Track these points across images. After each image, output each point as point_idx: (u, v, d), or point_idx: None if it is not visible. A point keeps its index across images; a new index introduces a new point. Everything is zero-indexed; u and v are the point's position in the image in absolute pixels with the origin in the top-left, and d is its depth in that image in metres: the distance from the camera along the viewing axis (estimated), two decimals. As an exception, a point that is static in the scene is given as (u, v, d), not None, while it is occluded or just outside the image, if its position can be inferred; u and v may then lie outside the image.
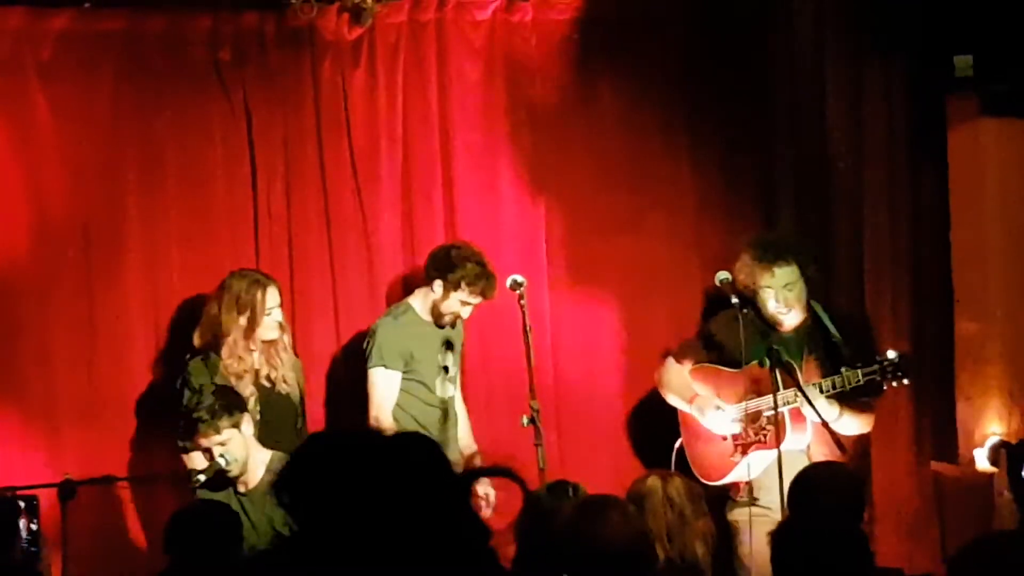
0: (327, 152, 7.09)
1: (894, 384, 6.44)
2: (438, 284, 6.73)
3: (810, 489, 5.04)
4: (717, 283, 6.65)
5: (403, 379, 6.77)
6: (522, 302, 6.61)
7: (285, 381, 6.60)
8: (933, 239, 7.53)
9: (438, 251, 6.81)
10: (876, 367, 6.41)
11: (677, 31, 7.53)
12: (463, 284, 6.67)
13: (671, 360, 6.94)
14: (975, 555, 3.16)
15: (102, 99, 6.85)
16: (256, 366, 6.55)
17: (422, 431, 6.71)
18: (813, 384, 6.40)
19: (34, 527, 5.59)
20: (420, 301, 6.84)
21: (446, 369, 6.86)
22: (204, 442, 6.07)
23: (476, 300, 6.73)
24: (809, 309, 6.76)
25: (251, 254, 7.02)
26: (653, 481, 5.22)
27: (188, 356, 6.55)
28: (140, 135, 6.89)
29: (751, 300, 6.66)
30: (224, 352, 6.47)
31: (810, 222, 7.53)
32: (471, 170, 7.29)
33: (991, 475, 7.23)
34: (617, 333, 7.49)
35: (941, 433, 7.49)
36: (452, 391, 6.89)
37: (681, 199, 7.57)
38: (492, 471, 6.03)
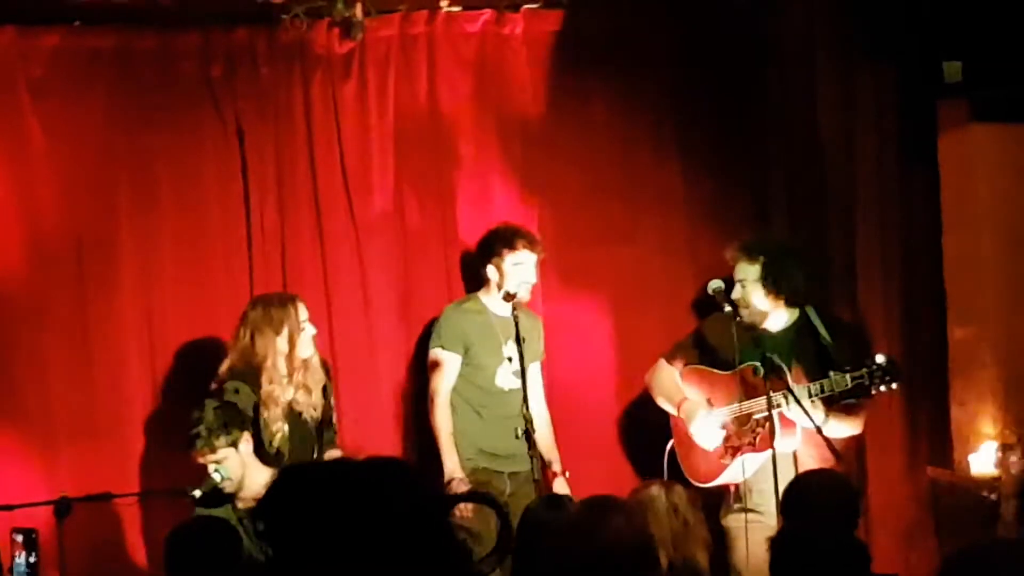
0: (319, 166, 7.10)
1: (882, 388, 6.43)
2: (491, 269, 6.90)
3: (804, 497, 5.05)
4: (710, 291, 6.65)
5: (463, 365, 6.90)
6: (515, 312, 6.64)
7: (313, 408, 6.55)
8: (925, 245, 7.54)
9: (477, 244, 7.01)
10: (864, 371, 6.41)
11: (667, 40, 7.53)
12: (503, 249, 6.80)
13: (662, 361, 6.96)
14: (966, 563, 3.16)
15: (94, 116, 6.87)
16: (285, 395, 6.45)
17: (477, 418, 6.87)
18: (801, 387, 6.41)
19: (33, 560, 5.57)
20: (486, 292, 6.98)
21: (510, 360, 6.89)
22: (200, 460, 6.08)
23: (527, 257, 6.82)
24: (802, 314, 6.78)
25: (244, 268, 7.03)
26: (656, 489, 5.26)
27: (218, 384, 6.40)
28: (132, 151, 6.90)
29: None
30: (264, 379, 6.37)
31: (803, 229, 7.54)
32: (463, 182, 7.31)
33: (989, 480, 7.24)
34: (611, 342, 7.50)
35: (935, 438, 7.49)
36: (517, 383, 6.84)
37: (673, 207, 7.57)
38: (471, 497, 6.06)
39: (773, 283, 6.68)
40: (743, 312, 6.65)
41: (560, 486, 6.81)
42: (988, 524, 7.03)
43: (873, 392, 6.45)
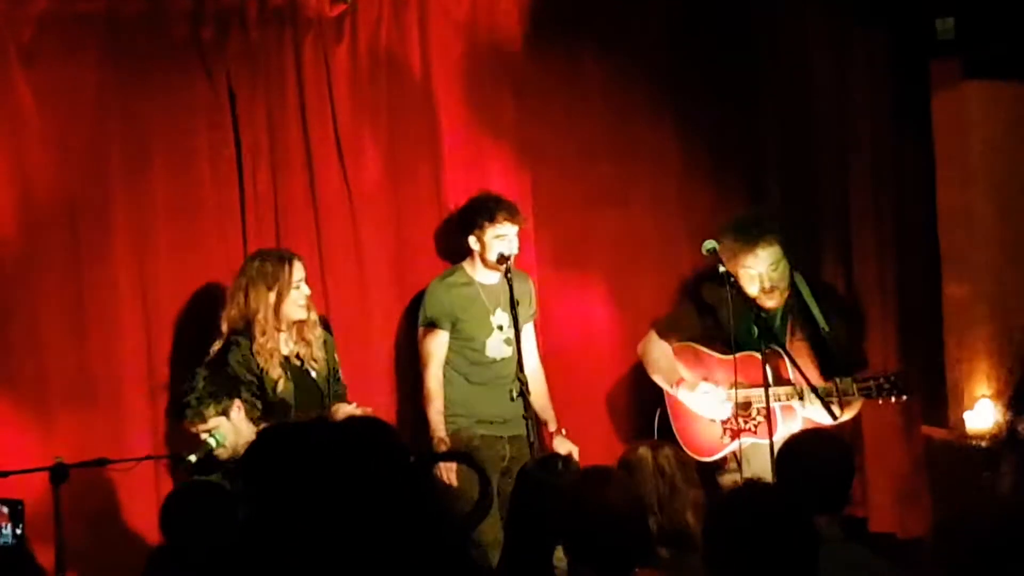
0: (312, 130, 7.07)
1: (891, 399, 6.50)
2: (472, 240, 6.88)
3: (798, 457, 5.06)
4: (704, 252, 6.64)
5: (451, 338, 6.91)
6: (508, 276, 6.65)
7: (314, 360, 6.57)
8: (919, 203, 7.55)
9: (458, 214, 7.02)
10: (872, 383, 6.46)
11: (661, 2, 7.51)
12: (484, 222, 6.79)
13: (655, 336, 6.94)
14: (961, 524, 3.17)
15: (85, 81, 6.82)
16: (284, 348, 6.49)
17: (473, 389, 6.90)
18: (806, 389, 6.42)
19: (19, 531, 5.58)
20: (469, 263, 6.97)
21: (500, 328, 6.90)
22: (192, 429, 6.09)
23: (509, 229, 6.81)
24: (792, 284, 6.78)
25: (238, 233, 7.01)
26: (643, 451, 5.24)
27: (220, 344, 6.45)
28: (124, 116, 6.86)
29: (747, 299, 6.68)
30: (256, 331, 6.40)
31: (796, 190, 7.55)
32: (456, 145, 7.28)
33: (987, 436, 7.25)
34: (605, 305, 7.50)
35: (931, 397, 7.51)
36: (508, 352, 6.89)
37: (667, 170, 7.57)
38: (449, 456, 6.07)
39: (791, 244, 6.74)
40: (773, 298, 6.65)
41: (561, 444, 6.81)
42: (984, 481, 7.04)
43: (880, 402, 6.51)
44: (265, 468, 2.50)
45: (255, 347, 6.40)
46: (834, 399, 6.43)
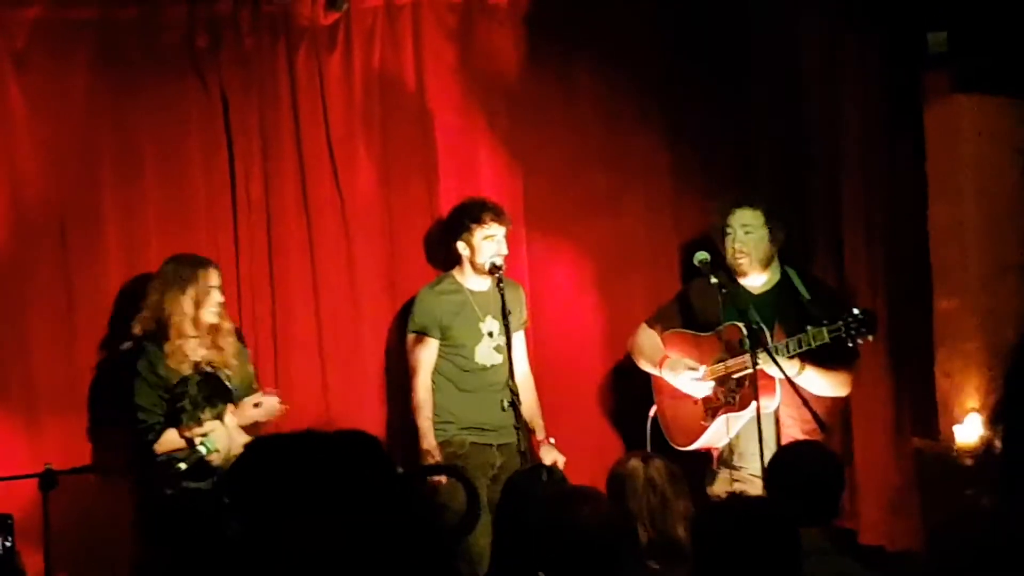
0: (304, 138, 7.08)
1: (859, 341, 6.46)
2: (461, 245, 6.89)
3: (789, 470, 5.06)
4: (696, 263, 6.66)
5: (441, 346, 6.89)
6: (500, 285, 6.65)
7: (228, 367, 6.50)
8: (910, 215, 7.54)
9: (445, 221, 7.04)
10: (840, 324, 6.43)
11: (652, 9, 7.52)
12: (471, 224, 6.81)
13: (644, 325, 7.00)
14: (955, 536, 3.16)
15: (77, 88, 6.83)
16: (195, 354, 6.43)
17: (461, 395, 6.88)
18: (780, 344, 6.44)
19: (8, 544, 5.56)
20: (459, 270, 6.97)
21: (490, 335, 6.90)
22: (187, 434, 6.08)
23: (497, 229, 6.82)
24: (783, 274, 6.80)
25: (230, 241, 7.01)
26: (635, 463, 5.23)
27: (128, 345, 6.49)
28: (116, 123, 6.87)
29: (727, 269, 6.71)
30: (172, 333, 6.38)
31: (788, 199, 7.54)
32: (449, 153, 7.29)
33: (974, 450, 7.25)
34: (596, 310, 7.50)
35: (921, 409, 7.51)
36: (498, 358, 6.90)
37: (658, 176, 7.57)
38: (436, 469, 6.08)
39: (778, 227, 6.75)
40: (742, 261, 6.67)
41: (547, 453, 6.81)
42: (970, 498, 7.04)
43: (850, 344, 6.46)
44: (252, 481, 2.50)
45: (168, 348, 6.37)
46: (795, 358, 6.43)
